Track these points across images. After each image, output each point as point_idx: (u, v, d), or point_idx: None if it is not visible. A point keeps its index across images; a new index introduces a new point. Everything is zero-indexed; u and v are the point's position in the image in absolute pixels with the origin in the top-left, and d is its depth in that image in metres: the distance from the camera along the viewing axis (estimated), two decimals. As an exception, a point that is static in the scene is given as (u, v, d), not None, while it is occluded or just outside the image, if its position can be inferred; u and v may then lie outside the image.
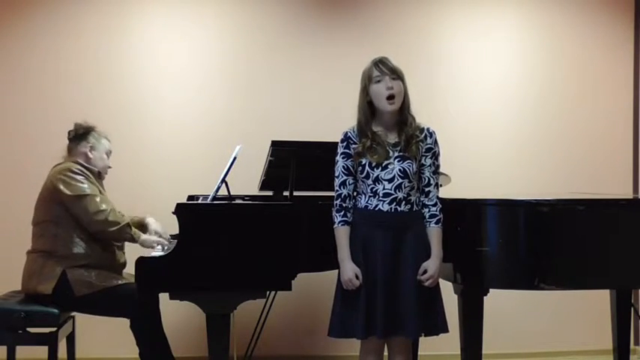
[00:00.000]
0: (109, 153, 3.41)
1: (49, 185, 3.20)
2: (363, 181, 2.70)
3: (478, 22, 4.52)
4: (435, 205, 2.72)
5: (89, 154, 3.32)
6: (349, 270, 2.64)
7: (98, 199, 3.19)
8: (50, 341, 3.10)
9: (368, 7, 4.47)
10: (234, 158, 3.11)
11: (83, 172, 3.22)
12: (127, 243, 3.36)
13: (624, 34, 4.63)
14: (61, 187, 3.15)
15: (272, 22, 4.41)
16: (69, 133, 3.36)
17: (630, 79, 4.63)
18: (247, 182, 3.72)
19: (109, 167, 3.43)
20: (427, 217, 2.72)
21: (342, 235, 2.69)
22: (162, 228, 3.40)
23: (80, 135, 3.34)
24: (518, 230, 2.89)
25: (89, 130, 3.36)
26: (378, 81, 2.65)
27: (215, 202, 3.07)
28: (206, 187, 3.54)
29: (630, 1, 4.65)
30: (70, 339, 3.44)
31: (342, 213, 2.71)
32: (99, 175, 3.37)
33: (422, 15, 4.49)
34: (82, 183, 3.19)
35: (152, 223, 3.43)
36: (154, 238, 3.29)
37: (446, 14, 4.51)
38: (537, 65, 4.55)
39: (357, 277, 2.63)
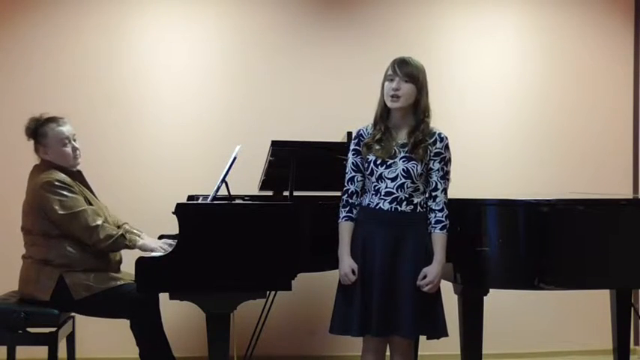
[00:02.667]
0: (68, 139, 3.16)
1: (35, 199, 3.09)
2: (368, 179, 2.73)
3: (478, 22, 4.52)
4: (441, 210, 2.71)
5: (47, 157, 3.16)
6: (346, 265, 2.67)
7: (88, 214, 3.07)
8: (50, 341, 3.09)
9: (368, 7, 4.46)
10: (234, 158, 3.11)
11: (64, 184, 3.08)
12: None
13: (624, 34, 4.63)
14: (49, 206, 3.04)
15: (272, 22, 4.41)
16: (25, 134, 3.20)
17: (630, 79, 4.63)
18: (247, 182, 3.72)
19: (76, 149, 3.19)
20: (432, 222, 2.71)
21: (344, 230, 2.72)
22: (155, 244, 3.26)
23: (32, 138, 3.18)
24: (518, 230, 2.90)
25: (36, 129, 3.16)
26: (390, 80, 2.70)
27: (215, 202, 3.07)
28: (206, 187, 3.54)
29: (630, 1, 4.65)
30: (70, 339, 3.43)
31: (347, 209, 2.74)
32: (79, 174, 3.25)
33: (422, 15, 4.49)
34: (67, 198, 3.05)
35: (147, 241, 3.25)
36: (155, 244, 3.20)
37: (446, 14, 4.50)
38: (537, 65, 4.55)
39: (353, 272, 2.65)
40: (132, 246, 3.16)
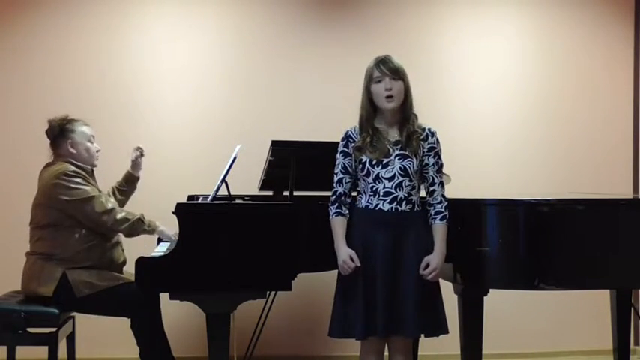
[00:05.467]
0: (92, 139, 3.31)
1: (47, 190, 3.15)
2: (363, 180, 2.71)
3: (478, 22, 4.52)
4: (440, 202, 2.72)
5: (72, 150, 3.24)
6: (344, 253, 2.64)
7: (103, 199, 3.17)
8: (50, 341, 3.09)
9: (368, 7, 4.47)
10: (234, 158, 3.11)
11: (79, 174, 3.17)
12: (126, 242, 3.36)
13: (624, 35, 4.63)
14: (62, 193, 3.10)
15: (272, 22, 4.41)
16: (47, 134, 3.27)
17: (630, 80, 4.63)
18: (247, 182, 3.72)
19: (98, 151, 3.33)
20: (432, 214, 2.71)
21: (337, 225, 2.70)
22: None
23: (57, 135, 3.25)
24: (518, 230, 2.89)
25: (63, 124, 3.25)
26: (379, 81, 2.67)
27: (215, 202, 3.07)
28: (206, 187, 3.54)
29: (630, 1, 4.66)
30: (70, 339, 3.43)
31: (336, 205, 2.72)
32: (92, 173, 3.32)
33: (422, 15, 4.49)
34: (82, 185, 3.15)
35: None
36: (171, 233, 3.23)
37: (446, 15, 4.51)
38: (538, 65, 4.55)
39: (352, 259, 2.61)
40: (151, 231, 3.21)
